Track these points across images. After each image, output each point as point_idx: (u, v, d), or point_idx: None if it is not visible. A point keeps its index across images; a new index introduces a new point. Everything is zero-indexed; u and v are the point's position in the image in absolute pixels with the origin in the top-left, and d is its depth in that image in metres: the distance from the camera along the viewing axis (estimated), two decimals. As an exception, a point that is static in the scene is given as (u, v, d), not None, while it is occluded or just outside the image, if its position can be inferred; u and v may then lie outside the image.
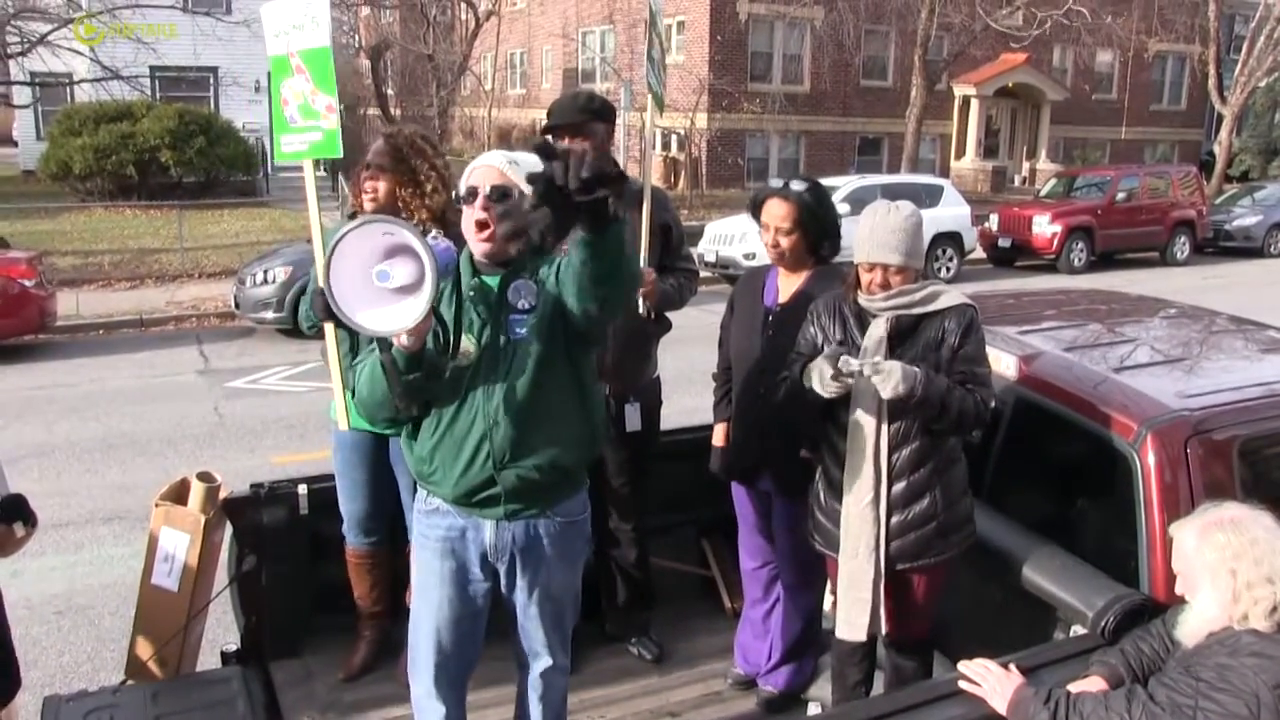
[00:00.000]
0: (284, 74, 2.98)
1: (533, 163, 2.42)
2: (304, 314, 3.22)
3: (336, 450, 3.37)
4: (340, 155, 2.98)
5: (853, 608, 2.81)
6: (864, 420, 2.74)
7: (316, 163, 3.10)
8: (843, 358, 2.61)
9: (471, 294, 2.45)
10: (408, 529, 3.33)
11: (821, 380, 2.63)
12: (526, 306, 2.43)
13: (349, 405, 2.84)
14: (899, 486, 2.75)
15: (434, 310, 2.34)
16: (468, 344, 2.42)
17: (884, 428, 2.72)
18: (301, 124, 2.99)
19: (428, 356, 2.36)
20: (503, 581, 2.59)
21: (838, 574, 2.84)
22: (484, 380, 2.42)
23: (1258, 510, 2.19)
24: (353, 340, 2.99)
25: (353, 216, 3.25)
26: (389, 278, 2.19)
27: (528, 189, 2.36)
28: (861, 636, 2.83)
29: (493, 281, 2.46)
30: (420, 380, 2.37)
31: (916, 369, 2.60)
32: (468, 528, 2.53)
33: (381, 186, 3.22)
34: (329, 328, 2.75)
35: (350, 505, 3.38)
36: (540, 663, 2.67)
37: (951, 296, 2.77)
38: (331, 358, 2.83)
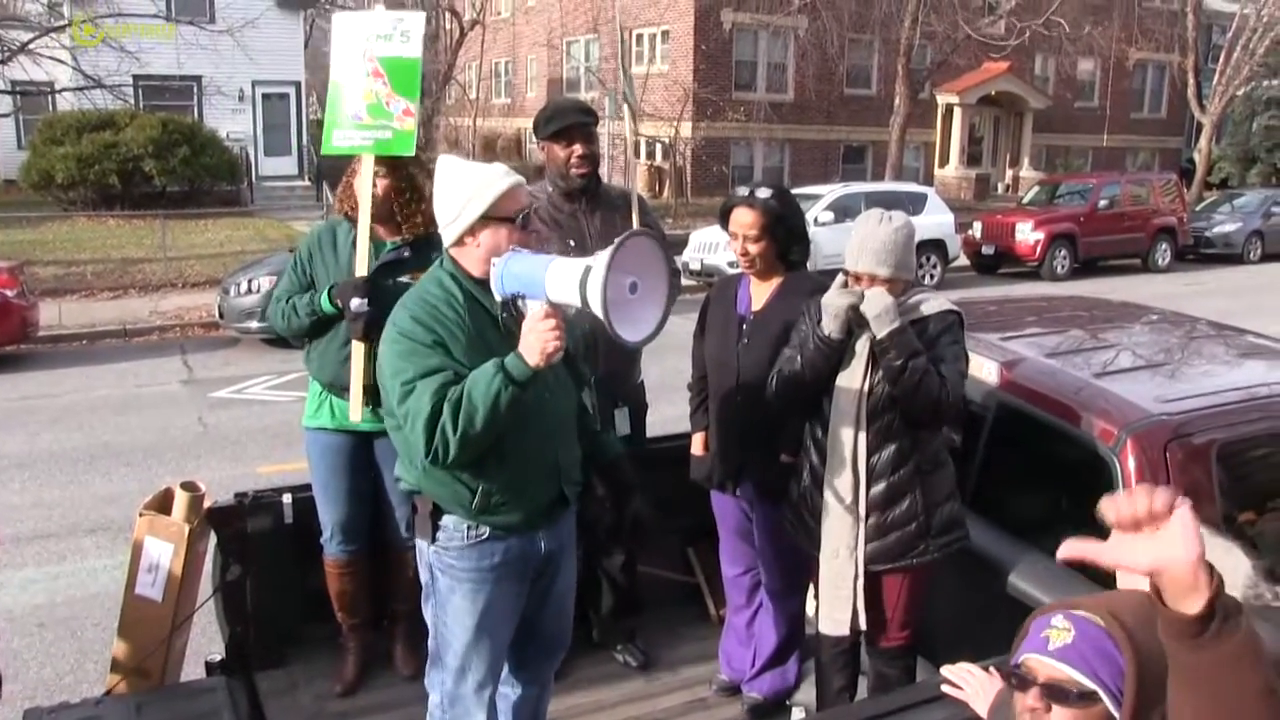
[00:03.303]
0: (353, 74, 3.22)
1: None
2: (285, 311, 3.21)
3: (318, 457, 3.29)
4: (412, 153, 3.21)
5: (835, 604, 2.84)
6: (844, 422, 2.77)
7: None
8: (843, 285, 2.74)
9: (505, 316, 2.34)
10: (392, 532, 3.32)
11: (828, 310, 2.71)
12: None
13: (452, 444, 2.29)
14: (879, 488, 2.78)
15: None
16: None
17: (863, 431, 2.75)
18: (368, 121, 3.20)
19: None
20: (545, 585, 2.62)
21: (819, 573, 2.87)
22: (537, 400, 2.34)
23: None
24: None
25: (346, 219, 3.25)
26: (639, 290, 2.18)
27: None
28: (844, 631, 2.85)
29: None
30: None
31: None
32: (524, 544, 2.49)
33: (381, 184, 3.15)
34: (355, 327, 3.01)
35: (333, 512, 3.28)
36: (560, 652, 2.79)
37: (935, 303, 2.79)
38: (357, 357, 3.06)
